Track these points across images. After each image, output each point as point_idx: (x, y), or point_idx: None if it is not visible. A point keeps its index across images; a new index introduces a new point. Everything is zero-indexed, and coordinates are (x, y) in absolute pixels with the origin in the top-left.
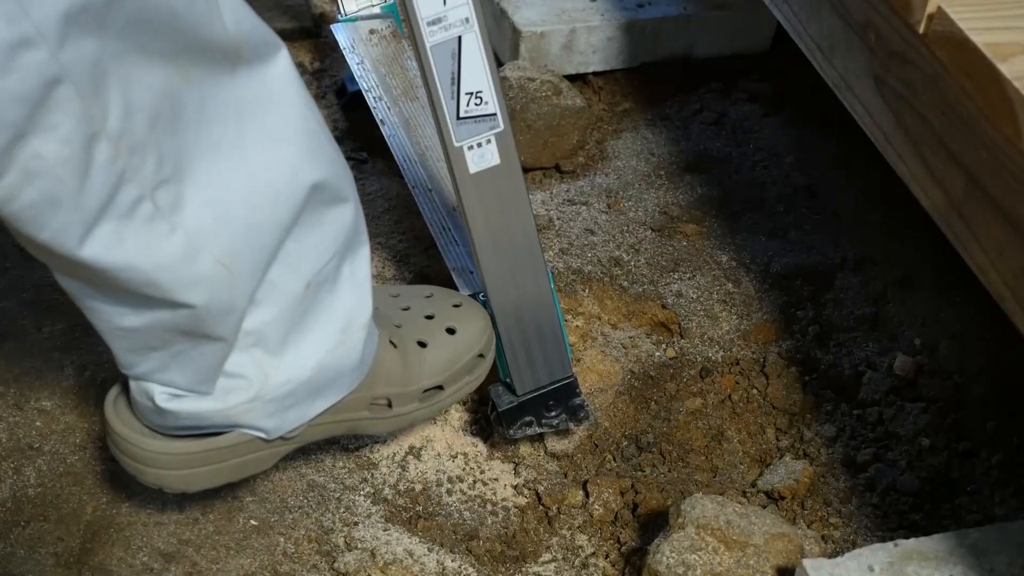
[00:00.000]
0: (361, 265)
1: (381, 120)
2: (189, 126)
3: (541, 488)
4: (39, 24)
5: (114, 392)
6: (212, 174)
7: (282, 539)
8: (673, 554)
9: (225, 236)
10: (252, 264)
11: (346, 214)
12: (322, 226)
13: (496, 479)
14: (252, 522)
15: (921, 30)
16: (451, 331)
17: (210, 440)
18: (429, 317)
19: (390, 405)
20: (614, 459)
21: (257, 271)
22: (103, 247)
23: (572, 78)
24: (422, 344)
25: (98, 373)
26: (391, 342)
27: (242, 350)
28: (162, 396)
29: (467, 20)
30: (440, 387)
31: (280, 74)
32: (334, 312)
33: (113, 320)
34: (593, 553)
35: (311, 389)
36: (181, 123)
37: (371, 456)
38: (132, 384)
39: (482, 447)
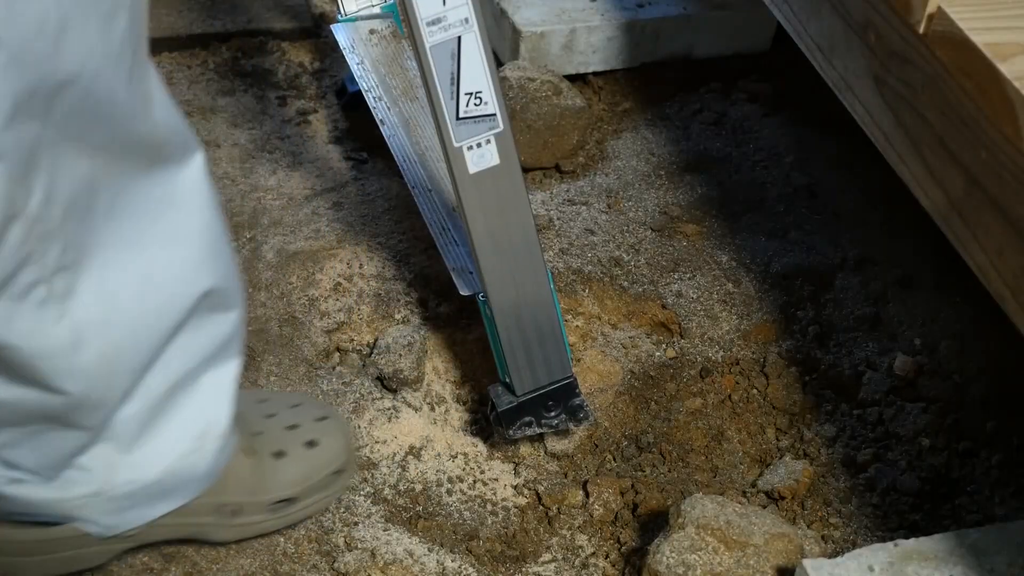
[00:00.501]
0: (228, 375)
1: (381, 120)
2: (99, 218)
3: (541, 488)
4: None
5: None
6: (110, 268)
7: (282, 539)
8: (673, 554)
9: (112, 330)
10: (133, 362)
11: (228, 323)
12: (203, 331)
13: (496, 479)
14: None
15: (921, 30)
16: (311, 444)
17: (42, 530)
18: (292, 427)
19: (237, 513)
20: (614, 459)
21: (137, 369)
22: None
23: (572, 78)
24: (279, 455)
25: None
26: (246, 450)
27: (97, 444)
28: (2, 479)
29: (467, 20)
30: (292, 500)
31: (193, 177)
32: (193, 418)
33: None
34: (593, 553)
35: (155, 492)
36: (92, 214)
37: (371, 456)
38: None
39: (482, 447)
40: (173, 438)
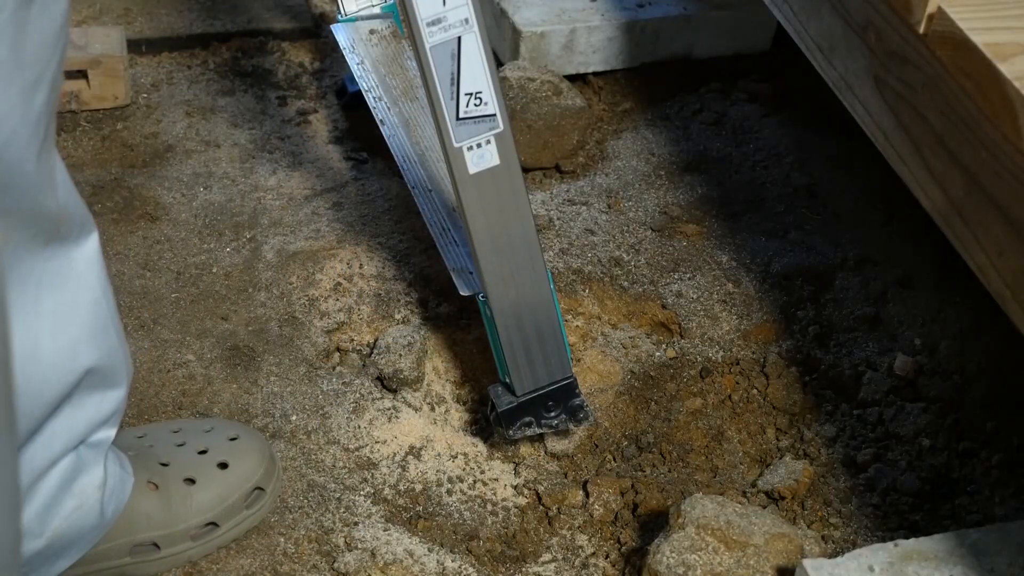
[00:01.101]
0: (105, 437)
1: (381, 120)
2: None
3: (541, 488)
4: None
5: None
6: None
7: (282, 539)
8: (673, 554)
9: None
10: (24, 424)
11: (111, 400)
12: (85, 409)
13: (496, 479)
14: None
15: (921, 30)
16: (223, 465)
17: None
18: (202, 452)
19: (156, 547)
20: (614, 459)
21: (20, 437)
22: None
23: (572, 78)
24: (190, 481)
25: None
26: (151, 483)
27: None
28: None
29: (467, 21)
30: (214, 524)
31: (87, 256)
32: (68, 481)
33: None
34: (593, 553)
35: (49, 553)
36: None
37: (371, 456)
38: None
39: (482, 447)
40: (53, 504)
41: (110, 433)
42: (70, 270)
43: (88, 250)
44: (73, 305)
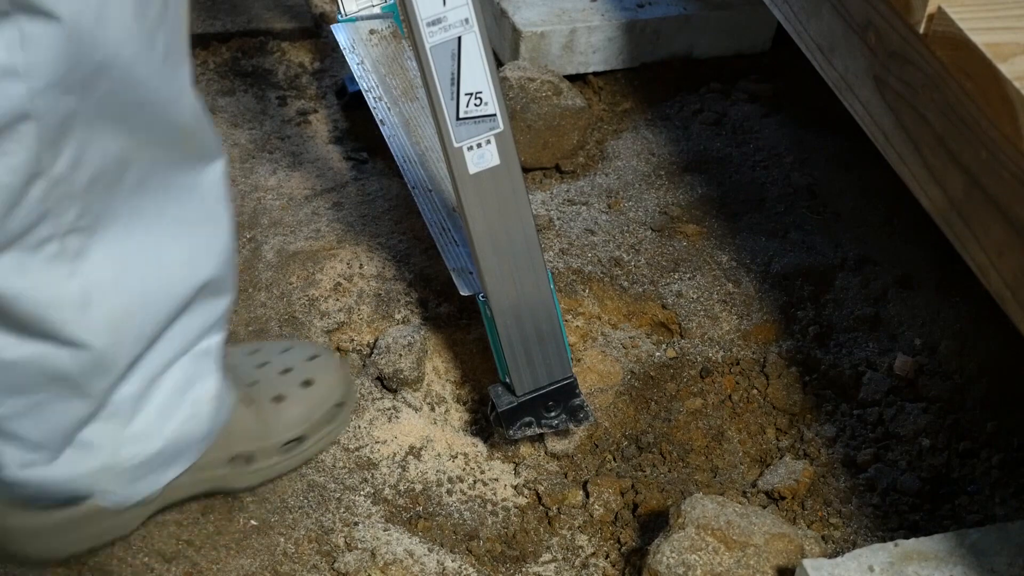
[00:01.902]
0: (215, 345)
1: (381, 120)
2: (123, 192)
3: (541, 488)
4: (31, 64)
5: None
6: (123, 238)
7: (282, 539)
8: (673, 554)
9: (121, 296)
10: (139, 332)
11: (221, 306)
12: (199, 315)
13: (496, 479)
14: (252, 522)
15: (921, 30)
16: (307, 383)
17: (66, 511)
18: (286, 371)
19: (251, 460)
20: (614, 459)
21: (142, 340)
22: (4, 272)
23: (572, 78)
24: (279, 399)
25: None
26: (245, 400)
27: (93, 420)
28: (13, 468)
29: (467, 21)
30: (301, 438)
31: (213, 179)
32: (184, 388)
33: None
34: (593, 553)
35: (162, 459)
36: (118, 188)
37: (371, 456)
38: None
39: (482, 447)
40: (168, 409)
41: (219, 338)
42: (198, 187)
43: (214, 172)
44: (198, 220)
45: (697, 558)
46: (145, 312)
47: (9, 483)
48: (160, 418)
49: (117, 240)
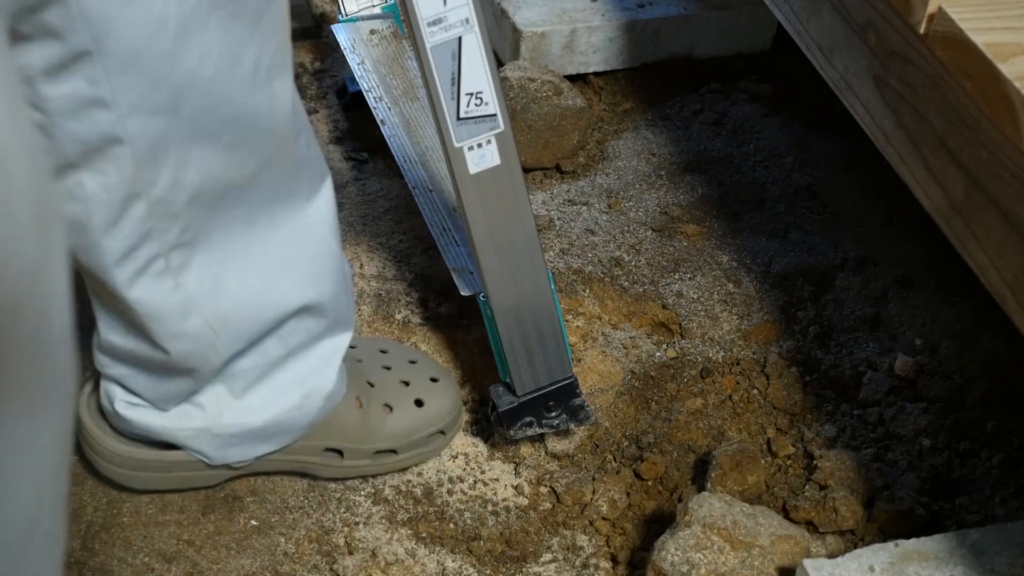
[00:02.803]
0: (339, 348)
1: (382, 120)
2: (223, 207)
3: (542, 488)
4: (116, 93)
5: (88, 388)
6: (223, 248)
7: (282, 539)
8: (678, 552)
9: (219, 303)
10: (237, 333)
11: (343, 308)
12: (312, 318)
13: (497, 479)
14: (252, 522)
15: (922, 30)
16: (420, 403)
17: (161, 452)
18: (404, 383)
19: (342, 456)
20: (615, 459)
21: (241, 340)
22: (111, 281)
23: (573, 78)
24: (388, 407)
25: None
26: (358, 400)
27: (209, 384)
28: (121, 403)
29: (467, 21)
30: (393, 451)
31: (318, 200)
32: (302, 380)
33: (104, 329)
34: (593, 553)
35: (258, 436)
36: (219, 203)
37: None
38: (101, 383)
39: (483, 447)
40: (281, 394)
41: (346, 337)
42: (298, 204)
43: (317, 191)
44: (302, 236)
45: (702, 557)
46: (243, 316)
47: (116, 416)
48: (269, 401)
49: (218, 251)
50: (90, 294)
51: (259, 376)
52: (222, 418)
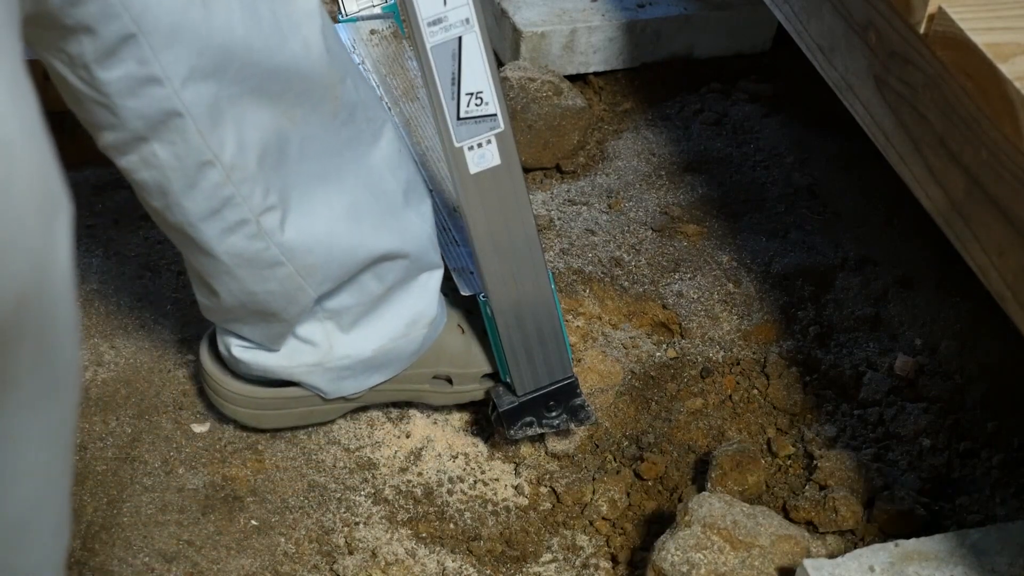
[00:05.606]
0: (435, 278)
1: None
2: (292, 165)
3: (542, 488)
4: (166, 67)
5: (206, 337)
6: (309, 203)
7: (283, 539)
8: (678, 552)
9: (309, 255)
10: (325, 276)
11: (432, 273)
12: (400, 263)
13: (497, 479)
14: (252, 522)
15: (922, 30)
16: None
17: (278, 390)
18: None
19: (450, 381)
20: (615, 459)
21: (329, 282)
22: (199, 237)
23: (573, 78)
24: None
25: (98, 374)
26: (459, 327)
27: (317, 321)
28: (237, 348)
29: (467, 20)
30: (492, 376)
31: (381, 145)
32: (404, 310)
33: (198, 281)
34: (593, 553)
35: (369, 366)
36: (286, 159)
37: (372, 456)
38: (217, 332)
39: (483, 447)
40: (387, 325)
41: (439, 272)
42: (358, 148)
43: (384, 142)
44: (367, 182)
45: (702, 557)
46: (332, 262)
47: (233, 359)
48: (376, 333)
49: (305, 207)
50: (183, 254)
51: (364, 311)
52: (333, 351)
